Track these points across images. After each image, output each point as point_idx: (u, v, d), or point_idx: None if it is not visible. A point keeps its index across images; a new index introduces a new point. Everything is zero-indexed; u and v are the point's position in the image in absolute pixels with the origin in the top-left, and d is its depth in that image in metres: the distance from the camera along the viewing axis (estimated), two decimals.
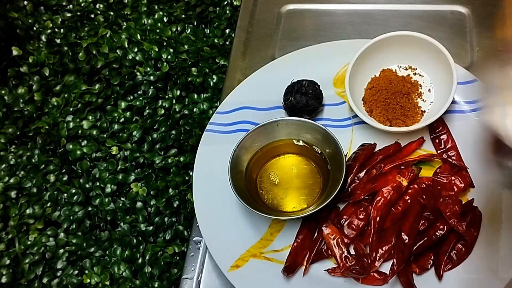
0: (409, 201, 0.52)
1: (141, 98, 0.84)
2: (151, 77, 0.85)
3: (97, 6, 0.96)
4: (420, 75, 0.61)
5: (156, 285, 0.69)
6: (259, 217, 0.54)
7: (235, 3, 0.94)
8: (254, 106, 0.62)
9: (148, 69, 0.85)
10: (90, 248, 0.74)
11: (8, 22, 0.93)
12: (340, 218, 0.52)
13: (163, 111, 0.83)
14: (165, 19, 0.94)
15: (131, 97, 0.86)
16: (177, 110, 0.83)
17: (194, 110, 0.83)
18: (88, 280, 0.70)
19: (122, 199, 0.77)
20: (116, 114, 0.83)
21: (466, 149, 0.55)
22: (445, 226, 0.49)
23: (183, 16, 0.95)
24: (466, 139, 0.55)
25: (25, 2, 0.97)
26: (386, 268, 0.49)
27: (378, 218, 0.50)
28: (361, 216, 0.51)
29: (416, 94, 0.59)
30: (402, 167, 0.54)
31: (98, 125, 0.82)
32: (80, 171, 0.80)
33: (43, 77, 0.88)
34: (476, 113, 0.57)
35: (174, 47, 0.87)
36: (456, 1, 0.70)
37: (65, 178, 0.79)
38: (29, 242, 0.75)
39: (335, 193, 0.50)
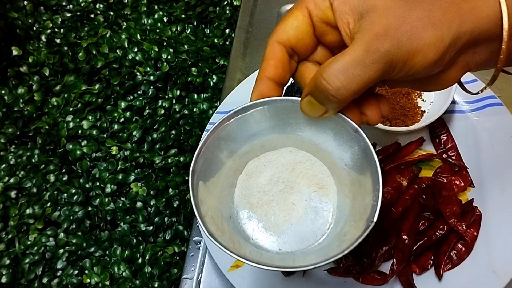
0: (409, 201, 0.52)
1: (141, 98, 0.84)
2: (151, 77, 0.85)
3: (97, 6, 0.96)
4: None
5: (156, 285, 0.69)
6: None
7: (235, 3, 0.94)
8: None
9: (148, 69, 0.85)
10: (90, 248, 0.74)
11: (8, 22, 0.93)
12: None
13: (163, 111, 0.83)
14: (165, 19, 0.94)
15: (131, 97, 0.86)
16: (177, 110, 0.83)
17: (194, 110, 0.83)
18: (88, 280, 0.70)
19: (122, 199, 0.77)
20: (116, 114, 0.83)
21: (466, 149, 0.55)
22: (445, 226, 0.49)
23: (183, 16, 0.95)
24: (466, 139, 0.55)
25: (25, 2, 0.97)
26: (386, 268, 0.49)
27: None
28: None
29: (416, 94, 0.59)
30: (402, 167, 0.54)
31: (98, 125, 0.82)
32: (80, 171, 0.80)
33: (43, 77, 0.88)
34: (476, 113, 0.57)
35: (174, 47, 0.87)
36: None
37: (65, 178, 0.79)
38: (29, 242, 0.75)
39: None
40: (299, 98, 0.33)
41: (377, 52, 0.26)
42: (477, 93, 0.35)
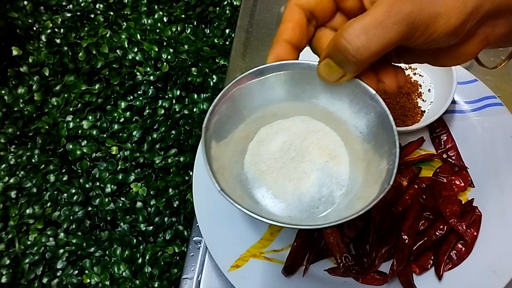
0: (409, 201, 0.52)
1: (141, 98, 0.84)
2: (151, 77, 0.85)
3: (97, 6, 0.96)
4: (420, 75, 0.61)
5: (156, 285, 0.69)
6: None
7: (235, 3, 0.94)
8: None
9: (148, 69, 0.85)
10: (90, 248, 0.74)
11: (8, 22, 0.93)
12: None
13: (163, 111, 0.83)
14: (165, 19, 0.94)
15: (131, 97, 0.86)
16: (177, 110, 0.83)
17: (194, 110, 0.83)
18: (88, 280, 0.70)
19: (122, 199, 0.77)
20: (116, 114, 0.83)
21: (466, 149, 0.55)
22: (445, 226, 0.49)
23: (183, 16, 0.95)
24: (466, 139, 0.55)
25: (25, 2, 0.97)
26: (386, 268, 0.48)
27: (378, 218, 0.50)
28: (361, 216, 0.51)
29: (416, 94, 0.59)
30: (402, 167, 0.54)
31: (98, 125, 0.82)
32: (80, 171, 0.80)
33: (43, 77, 0.88)
34: (476, 113, 0.57)
35: (174, 47, 0.87)
36: None
37: (65, 178, 0.79)
38: (29, 242, 0.75)
39: None
40: (316, 63, 0.32)
41: (399, 13, 0.26)
42: (495, 67, 0.35)
